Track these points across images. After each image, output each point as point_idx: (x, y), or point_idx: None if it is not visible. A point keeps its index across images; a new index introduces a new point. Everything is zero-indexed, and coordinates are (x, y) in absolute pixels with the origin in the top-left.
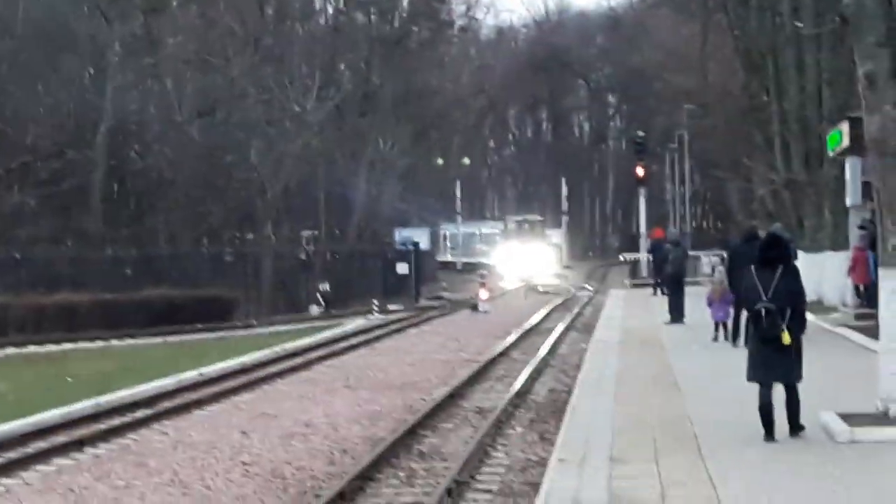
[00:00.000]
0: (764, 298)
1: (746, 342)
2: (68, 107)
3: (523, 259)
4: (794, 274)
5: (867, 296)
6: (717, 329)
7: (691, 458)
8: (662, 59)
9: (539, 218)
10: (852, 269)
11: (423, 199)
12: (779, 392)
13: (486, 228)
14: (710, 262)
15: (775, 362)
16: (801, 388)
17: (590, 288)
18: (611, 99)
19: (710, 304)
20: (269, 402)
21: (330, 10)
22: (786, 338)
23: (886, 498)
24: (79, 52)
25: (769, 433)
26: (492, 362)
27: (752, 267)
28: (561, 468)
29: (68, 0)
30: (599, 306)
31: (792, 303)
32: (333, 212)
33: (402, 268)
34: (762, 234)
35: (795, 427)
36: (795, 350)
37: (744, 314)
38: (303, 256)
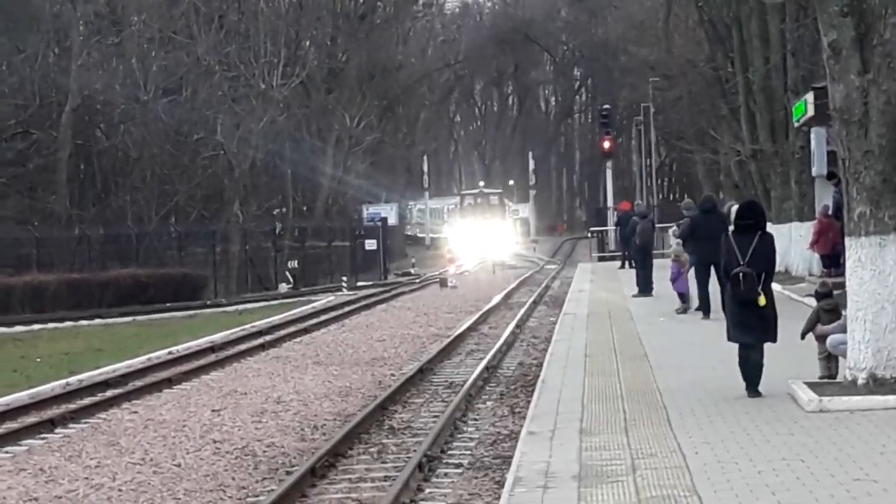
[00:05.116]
0: (741, 263)
1: (708, 312)
2: (33, 86)
3: (480, 235)
4: (770, 240)
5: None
6: (682, 300)
7: (661, 429)
8: (627, 32)
9: (498, 191)
10: (815, 242)
11: (391, 174)
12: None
13: (451, 204)
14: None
15: (753, 323)
16: (770, 357)
17: (557, 263)
18: (576, 72)
19: (675, 279)
20: (240, 379)
21: None
22: (762, 300)
23: (854, 466)
24: (43, 32)
25: (754, 389)
26: (461, 337)
27: (730, 233)
28: (531, 441)
29: None
30: (568, 280)
31: (767, 267)
32: (301, 189)
33: (370, 244)
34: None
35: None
36: (772, 311)
37: (713, 286)
38: (278, 230)
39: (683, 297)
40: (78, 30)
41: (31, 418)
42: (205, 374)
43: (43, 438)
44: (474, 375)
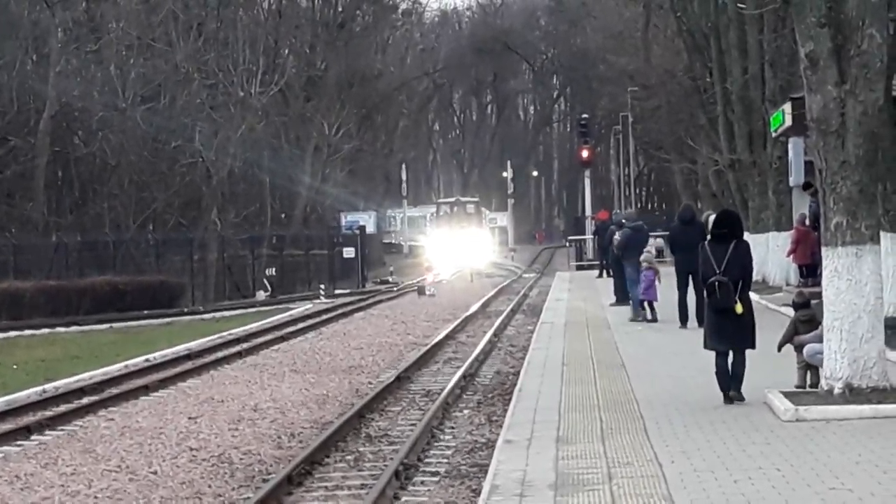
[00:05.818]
0: (717, 272)
1: (686, 322)
2: (11, 93)
3: (456, 244)
4: (745, 248)
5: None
6: (651, 308)
7: (637, 438)
8: (606, 42)
9: (474, 199)
10: (793, 251)
11: (369, 183)
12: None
13: (432, 212)
14: (654, 244)
15: (730, 331)
16: (747, 366)
17: (535, 272)
18: (555, 81)
19: (648, 287)
20: (217, 387)
21: None
22: (738, 308)
23: (829, 475)
24: (21, 39)
25: (727, 397)
26: (439, 345)
27: (706, 241)
28: (508, 449)
29: None
30: (545, 289)
31: (743, 275)
32: (279, 197)
33: (348, 252)
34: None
35: (738, 390)
36: (749, 319)
37: (691, 296)
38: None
39: (650, 304)
40: (56, 37)
41: (7, 425)
42: (181, 381)
43: (19, 445)
44: (451, 384)
